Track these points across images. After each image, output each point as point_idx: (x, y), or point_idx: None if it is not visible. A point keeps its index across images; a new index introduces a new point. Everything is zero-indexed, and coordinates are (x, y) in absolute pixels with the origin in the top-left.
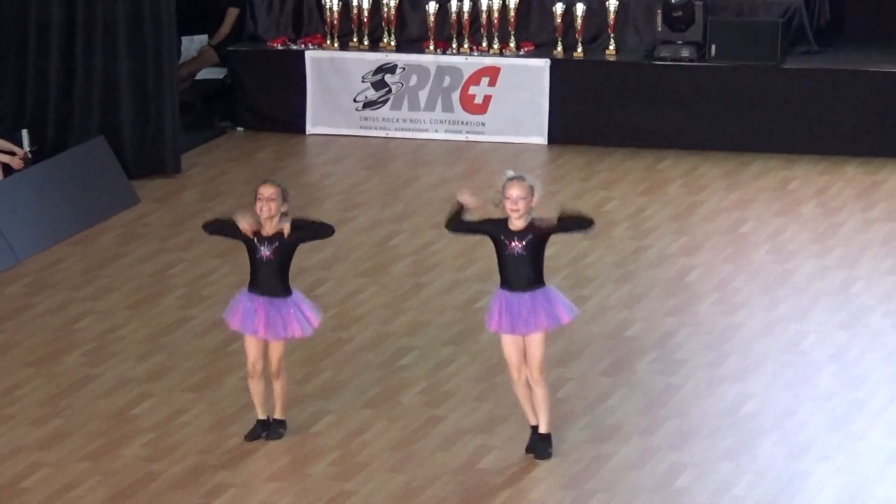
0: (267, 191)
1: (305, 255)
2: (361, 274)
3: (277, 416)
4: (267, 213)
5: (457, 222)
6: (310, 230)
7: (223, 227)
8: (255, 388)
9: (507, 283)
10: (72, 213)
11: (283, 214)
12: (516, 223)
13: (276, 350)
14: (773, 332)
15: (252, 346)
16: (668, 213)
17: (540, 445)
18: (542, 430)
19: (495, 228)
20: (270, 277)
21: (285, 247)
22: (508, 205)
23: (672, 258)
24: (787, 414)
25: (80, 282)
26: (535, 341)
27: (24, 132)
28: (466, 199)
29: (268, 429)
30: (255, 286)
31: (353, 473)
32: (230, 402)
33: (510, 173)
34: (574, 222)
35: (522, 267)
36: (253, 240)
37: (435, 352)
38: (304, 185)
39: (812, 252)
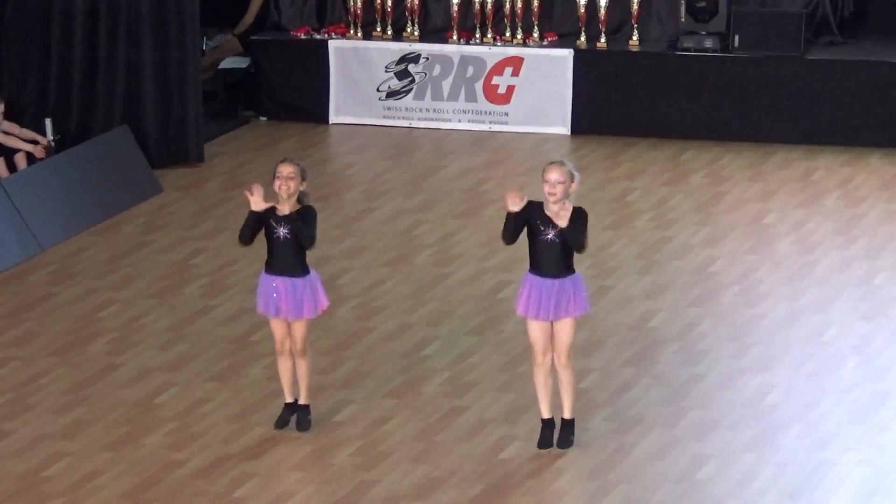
0: (286, 169)
1: (329, 245)
2: (384, 264)
3: (302, 400)
4: (286, 192)
5: (508, 231)
6: (304, 229)
7: (253, 226)
8: (284, 366)
9: (537, 267)
10: (95, 201)
11: (303, 193)
12: (552, 208)
13: (298, 329)
14: (796, 323)
15: (277, 326)
16: (691, 204)
17: (562, 433)
18: (567, 415)
19: (533, 213)
20: (287, 256)
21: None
22: (546, 188)
23: (695, 249)
24: (809, 405)
25: (103, 271)
26: (565, 327)
27: (48, 121)
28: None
29: (295, 412)
30: (272, 266)
31: (376, 463)
32: (253, 391)
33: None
34: (573, 234)
35: (553, 253)
36: (270, 220)
37: (457, 342)
38: (327, 174)
39: (835, 243)
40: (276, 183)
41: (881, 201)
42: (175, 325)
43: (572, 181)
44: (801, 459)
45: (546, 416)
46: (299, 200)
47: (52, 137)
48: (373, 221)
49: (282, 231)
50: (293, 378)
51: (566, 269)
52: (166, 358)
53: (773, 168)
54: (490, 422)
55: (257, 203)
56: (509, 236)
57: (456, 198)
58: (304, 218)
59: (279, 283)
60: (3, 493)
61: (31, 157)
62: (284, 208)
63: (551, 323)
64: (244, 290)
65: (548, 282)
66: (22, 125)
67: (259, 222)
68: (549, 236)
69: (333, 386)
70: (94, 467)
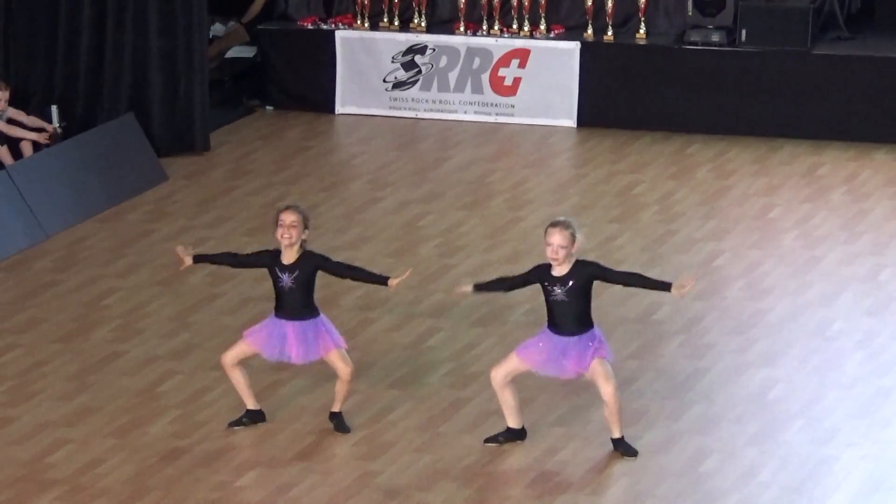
0: (288, 218)
1: (334, 235)
2: (389, 254)
3: (337, 408)
4: (288, 241)
5: (506, 281)
6: (332, 264)
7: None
8: (236, 378)
9: (553, 325)
10: (100, 189)
11: (304, 241)
12: (557, 269)
13: (337, 360)
14: (801, 317)
15: (244, 349)
16: (697, 198)
17: (621, 448)
18: (616, 434)
19: (539, 275)
20: (294, 303)
21: (305, 274)
22: (549, 252)
23: (700, 243)
24: (813, 400)
25: (107, 258)
26: (597, 370)
27: (54, 108)
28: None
29: (258, 419)
30: (281, 311)
31: (379, 453)
32: (257, 380)
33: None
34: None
35: (567, 311)
36: (275, 268)
37: (461, 333)
38: (332, 164)
39: (840, 238)
40: (279, 231)
41: (887, 197)
42: (179, 314)
43: (574, 243)
44: (804, 454)
45: (513, 424)
46: (301, 246)
47: (57, 125)
48: (378, 212)
49: (287, 280)
50: (249, 385)
51: (583, 325)
52: (170, 346)
53: (778, 163)
54: (493, 413)
55: (185, 266)
56: (497, 286)
57: (461, 189)
58: (313, 262)
59: (290, 328)
60: (7, 479)
61: (36, 145)
62: (288, 256)
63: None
64: (249, 279)
65: (564, 339)
66: (28, 112)
67: (255, 264)
68: (560, 296)
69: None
70: (97, 454)
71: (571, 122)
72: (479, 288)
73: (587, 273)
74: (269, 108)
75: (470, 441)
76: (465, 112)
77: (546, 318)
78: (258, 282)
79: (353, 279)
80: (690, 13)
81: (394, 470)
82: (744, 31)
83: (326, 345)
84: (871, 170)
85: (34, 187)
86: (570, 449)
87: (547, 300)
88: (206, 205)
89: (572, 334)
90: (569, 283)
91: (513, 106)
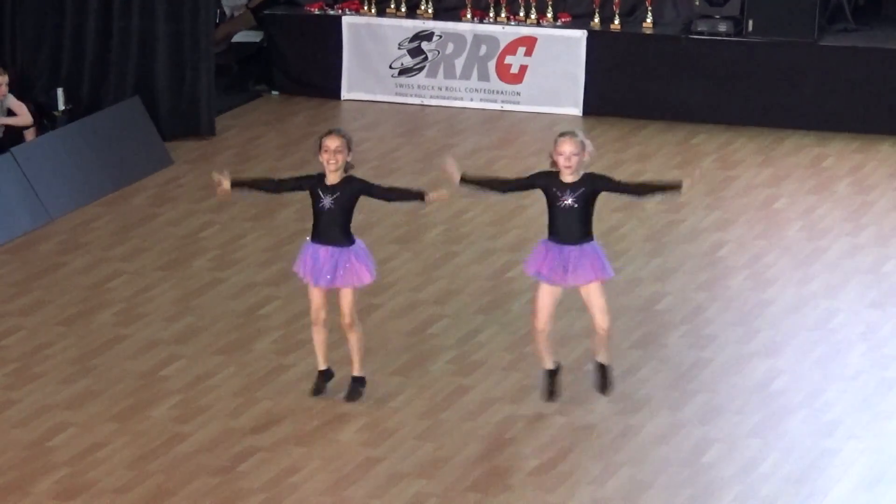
0: (333, 143)
1: None
2: (393, 241)
3: (355, 372)
4: (333, 166)
5: (504, 182)
6: (375, 188)
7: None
8: (318, 336)
9: (556, 234)
10: (105, 172)
11: (348, 164)
12: (568, 177)
13: (346, 299)
14: (804, 309)
15: (315, 294)
16: (702, 188)
17: (603, 379)
18: (605, 361)
19: (547, 181)
20: (332, 227)
21: (346, 196)
22: (561, 161)
23: (704, 233)
24: (815, 392)
25: (111, 242)
26: (595, 291)
27: (60, 91)
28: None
29: (328, 379)
30: (317, 235)
31: (381, 440)
32: (259, 365)
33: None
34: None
35: (572, 220)
36: (317, 190)
37: (465, 321)
38: None
39: (844, 230)
40: (325, 156)
41: (892, 189)
42: (183, 298)
43: (584, 150)
44: (806, 446)
45: (550, 366)
46: (345, 170)
47: (63, 107)
48: None
49: (327, 201)
50: (327, 346)
51: (585, 235)
52: (173, 330)
53: (784, 154)
54: (496, 401)
55: (224, 192)
56: (502, 187)
57: None
58: (355, 186)
59: (322, 251)
60: (8, 461)
61: (40, 129)
62: (331, 179)
63: (581, 290)
64: (253, 263)
65: (565, 248)
66: (33, 95)
67: (295, 185)
68: (568, 202)
69: (339, 362)
70: (99, 438)
71: (577, 111)
72: (468, 181)
73: (598, 183)
74: (274, 93)
75: (472, 429)
76: (471, 99)
77: (547, 228)
78: (262, 266)
79: (394, 200)
80: (697, 3)
81: (396, 457)
82: (751, 22)
83: (349, 278)
84: (877, 161)
85: (39, 169)
86: (572, 438)
87: (552, 207)
88: (211, 189)
89: (575, 243)
90: (579, 190)
91: (519, 94)
